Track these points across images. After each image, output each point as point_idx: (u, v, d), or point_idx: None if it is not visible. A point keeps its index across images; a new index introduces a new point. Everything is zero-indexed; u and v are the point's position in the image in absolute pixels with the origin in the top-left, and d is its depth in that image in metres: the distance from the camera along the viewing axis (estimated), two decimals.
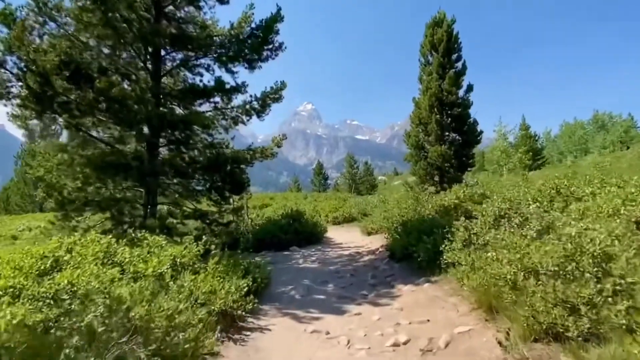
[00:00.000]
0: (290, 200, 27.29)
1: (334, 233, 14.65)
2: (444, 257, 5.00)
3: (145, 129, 8.07)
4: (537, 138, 42.60)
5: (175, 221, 8.07)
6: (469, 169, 14.68)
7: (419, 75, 15.32)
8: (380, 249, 8.63)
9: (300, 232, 11.24)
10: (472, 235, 4.73)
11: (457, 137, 14.57)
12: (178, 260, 4.40)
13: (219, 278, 4.44)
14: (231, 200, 14.21)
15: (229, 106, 9.68)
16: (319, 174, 57.54)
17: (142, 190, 8.16)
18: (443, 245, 5.14)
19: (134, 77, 8.07)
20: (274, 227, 11.11)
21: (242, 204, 14.25)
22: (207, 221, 8.31)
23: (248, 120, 9.86)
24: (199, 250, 5.03)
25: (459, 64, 14.66)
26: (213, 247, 9.04)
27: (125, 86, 7.52)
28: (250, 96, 9.64)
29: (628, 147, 39.83)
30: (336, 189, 58.97)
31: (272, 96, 9.85)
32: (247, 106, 9.68)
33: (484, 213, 5.01)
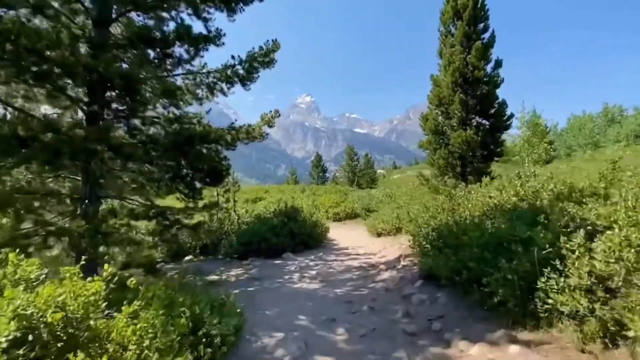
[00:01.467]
0: (286, 193, 25.01)
1: (336, 233, 12.43)
2: (550, 300, 2.80)
3: (81, 93, 5.78)
4: (548, 130, 40.33)
5: (118, 222, 5.80)
6: (495, 159, 12.44)
7: (439, 49, 12.97)
8: (404, 262, 6.39)
9: (296, 235, 9.00)
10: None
11: (484, 121, 12.30)
12: (36, 316, 2.11)
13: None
14: (217, 193, 11.98)
15: (204, 69, 7.39)
16: (318, 166, 55.21)
17: (79, 179, 5.87)
18: (543, 280, 2.93)
19: (64, 19, 5.71)
20: (264, 227, 8.86)
21: (228, 197, 12.00)
22: (167, 222, 6.03)
23: (229, 89, 7.55)
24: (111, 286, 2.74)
25: (487, 35, 12.34)
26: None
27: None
28: (233, 57, 7.35)
29: None
30: (335, 182, 56.82)
31: (261, 59, 7.55)
32: (229, 71, 7.40)
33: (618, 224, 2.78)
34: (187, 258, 9.08)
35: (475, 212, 6.12)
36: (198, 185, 6.87)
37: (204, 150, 6.24)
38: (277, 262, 7.89)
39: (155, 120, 6.25)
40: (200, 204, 6.53)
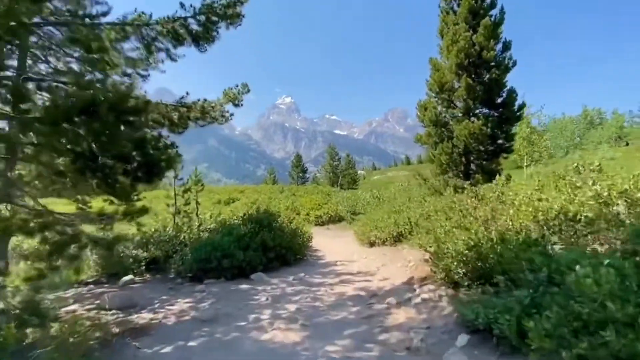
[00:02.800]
0: (263, 194, 22.81)
1: (320, 241, 10.41)
2: None
3: None
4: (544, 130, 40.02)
5: None
6: (504, 155, 10.77)
7: (439, 28, 11.21)
8: (423, 293, 4.42)
9: (270, 248, 6.92)
10: None
11: (491, 111, 10.62)
12: None
13: None
14: (175, 193, 9.71)
15: (141, 20, 5.31)
16: (297, 167, 53.06)
17: None
18: None
19: None
20: (228, 238, 6.74)
21: (188, 198, 9.79)
22: (61, 237, 3.83)
23: (176, 47, 5.47)
24: None
25: (495, 11, 10.67)
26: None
27: None
28: (183, 6, 5.32)
29: (627, 143, 37.87)
30: (315, 183, 54.98)
31: (223, 11, 5.54)
32: (177, 24, 5.37)
33: None
34: (125, 278, 6.85)
35: (525, 222, 4.26)
36: (120, 179, 4.70)
37: (123, 128, 4.08)
38: (243, 286, 5.79)
39: (45, 78, 4.06)
40: (123, 209, 4.34)
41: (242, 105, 6.44)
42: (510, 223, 4.44)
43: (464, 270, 4.12)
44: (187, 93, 5.87)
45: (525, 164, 15.74)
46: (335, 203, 17.14)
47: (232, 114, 6.33)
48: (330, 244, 10.41)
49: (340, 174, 50.08)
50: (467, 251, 4.08)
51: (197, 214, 10.15)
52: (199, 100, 5.87)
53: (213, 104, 6.03)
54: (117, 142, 4.03)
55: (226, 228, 7.53)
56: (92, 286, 6.78)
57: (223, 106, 6.16)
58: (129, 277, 6.90)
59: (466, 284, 4.03)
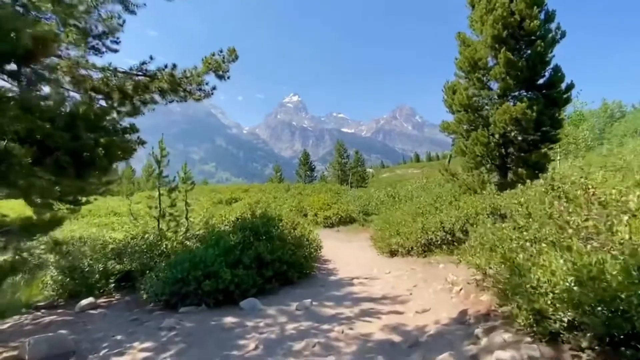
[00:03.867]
0: (268, 193, 21.29)
1: (330, 247, 8.84)
2: None
3: None
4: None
5: None
6: (548, 144, 9.02)
7: None
8: (505, 356, 2.83)
9: (266, 263, 5.36)
10: None
11: (533, 93, 8.89)
12: None
13: None
14: (159, 193, 8.26)
15: None
16: (305, 164, 51.49)
17: None
18: None
19: None
20: (213, 252, 5.20)
21: (174, 199, 8.34)
22: None
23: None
24: None
25: None
26: None
27: None
28: None
29: None
30: (323, 181, 53.45)
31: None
32: None
33: None
34: (83, 302, 5.40)
35: None
36: (46, 175, 3.16)
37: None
38: (228, 320, 4.23)
39: None
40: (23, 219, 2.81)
41: (228, 77, 4.87)
42: (630, 238, 2.81)
43: (571, 315, 2.52)
44: (152, 57, 4.33)
45: (558, 157, 13.91)
46: (345, 202, 15.54)
47: (214, 88, 4.76)
48: (343, 252, 8.82)
49: (348, 172, 48.39)
50: (576, 287, 2.47)
51: (186, 217, 8.67)
52: (166, 66, 4.32)
53: (189, 73, 4.48)
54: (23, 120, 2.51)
55: (214, 236, 5.98)
56: (42, 312, 5.33)
57: (202, 77, 4.60)
58: (89, 300, 5.42)
59: (583, 343, 2.41)
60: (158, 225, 7.96)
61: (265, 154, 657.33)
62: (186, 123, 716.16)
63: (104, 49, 4.28)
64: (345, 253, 8.63)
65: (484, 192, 7.26)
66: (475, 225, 5.31)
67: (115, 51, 4.43)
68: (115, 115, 3.86)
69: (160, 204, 8.04)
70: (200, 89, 4.64)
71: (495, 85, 8.81)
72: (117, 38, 4.38)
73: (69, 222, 8.73)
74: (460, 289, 4.34)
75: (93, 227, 10.82)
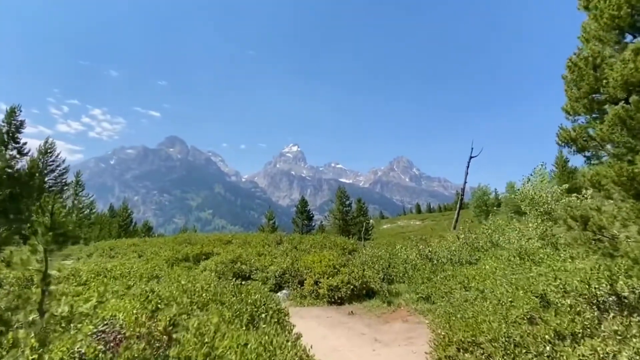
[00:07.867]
0: (254, 246, 16.43)
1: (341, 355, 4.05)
2: None
3: None
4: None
5: None
6: None
7: None
8: None
9: None
10: None
11: None
12: None
13: None
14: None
15: None
16: (303, 213, 46.71)
17: None
18: None
19: None
20: None
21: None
22: None
23: None
24: None
25: None
26: None
27: None
28: None
29: None
30: (322, 231, 48.33)
31: None
32: None
33: None
34: None
35: None
36: None
37: None
38: None
39: None
40: None
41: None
42: None
43: None
44: None
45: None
46: (359, 265, 10.79)
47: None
48: None
49: (350, 222, 43.61)
50: None
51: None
52: None
53: None
54: None
55: None
56: None
57: None
58: None
59: None
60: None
61: (263, 202, 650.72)
62: (185, 169, 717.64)
63: None
64: None
65: None
66: None
67: None
68: None
69: None
70: None
71: None
72: None
73: None
74: None
75: None
